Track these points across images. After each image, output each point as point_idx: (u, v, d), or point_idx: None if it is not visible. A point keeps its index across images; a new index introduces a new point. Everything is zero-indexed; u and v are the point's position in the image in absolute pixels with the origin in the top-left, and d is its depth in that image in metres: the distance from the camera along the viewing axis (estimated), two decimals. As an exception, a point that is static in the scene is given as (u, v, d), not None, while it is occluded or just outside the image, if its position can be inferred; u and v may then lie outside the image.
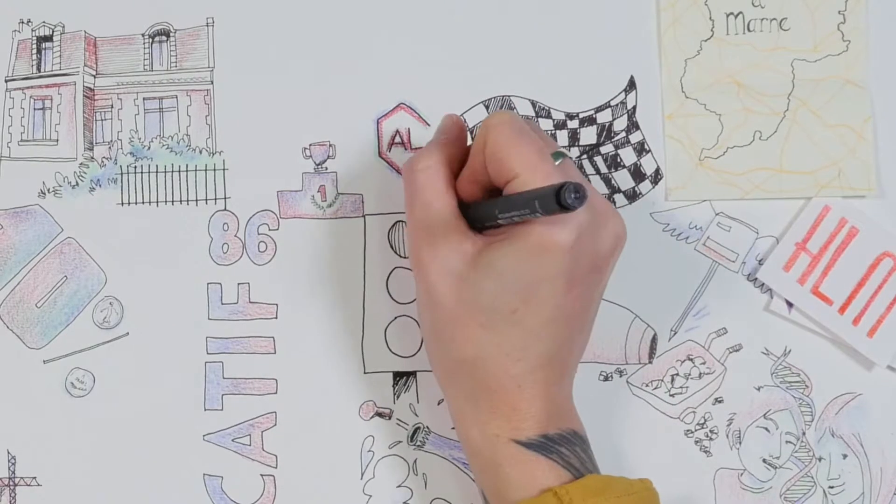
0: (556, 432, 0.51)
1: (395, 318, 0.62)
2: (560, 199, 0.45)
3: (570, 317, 0.51)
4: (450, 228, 0.52)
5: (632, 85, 0.63)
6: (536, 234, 0.49)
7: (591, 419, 0.57)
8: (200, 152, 0.63)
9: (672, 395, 0.61)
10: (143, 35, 0.64)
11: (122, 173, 0.63)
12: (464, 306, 0.51)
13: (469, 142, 0.56)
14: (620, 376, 0.61)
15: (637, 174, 0.62)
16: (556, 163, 0.51)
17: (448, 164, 0.54)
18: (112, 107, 0.63)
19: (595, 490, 0.49)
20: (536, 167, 0.50)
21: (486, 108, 0.63)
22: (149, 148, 0.63)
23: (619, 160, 0.62)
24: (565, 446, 0.51)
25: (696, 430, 0.61)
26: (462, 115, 0.62)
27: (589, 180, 0.62)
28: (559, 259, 0.50)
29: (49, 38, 0.64)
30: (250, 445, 0.61)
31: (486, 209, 0.52)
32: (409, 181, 0.54)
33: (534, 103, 0.63)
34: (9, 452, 0.61)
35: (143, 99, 0.63)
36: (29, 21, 0.64)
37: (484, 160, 0.52)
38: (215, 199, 0.63)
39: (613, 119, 0.62)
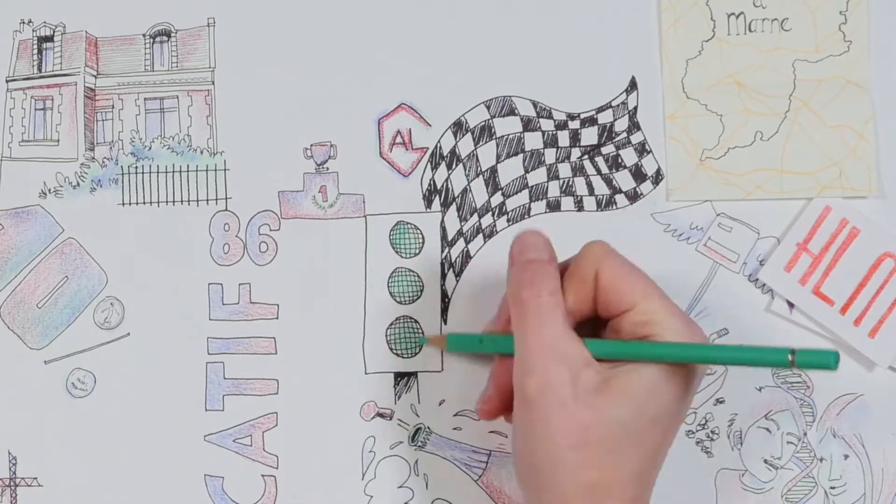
0: None
1: (396, 318, 0.62)
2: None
3: (673, 434, 0.52)
4: (578, 352, 0.51)
5: (633, 85, 0.63)
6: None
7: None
8: (201, 152, 0.63)
9: (673, 396, 0.61)
10: (144, 35, 0.64)
11: (123, 173, 0.63)
12: (592, 432, 0.50)
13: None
14: (621, 377, 0.61)
15: (638, 175, 0.62)
16: None
17: (560, 288, 0.53)
18: (113, 107, 0.63)
19: None
20: (655, 296, 0.52)
21: (487, 108, 0.63)
22: (150, 148, 0.63)
23: (620, 161, 0.62)
24: None
25: (697, 431, 0.61)
26: (462, 115, 0.62)
27: (590, 181, 0.62)
28: (684, 378, 0.51)
29: (50, 39, 0.64)
30: (251, 446, 0.61)
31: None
32: (530, 306, 0.52)
33: (535, 103, 0.63)
34: (10, 453, 0.61)
35: (144, 99, 0.63)
36: (30, 21, 0.64)
37: (590, 292, 0.52)
38: (216, 199, 0.62)
39: (614, 119, 0.62)
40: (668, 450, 0.53)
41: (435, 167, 0.62)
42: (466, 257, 0.62)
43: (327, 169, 0.62)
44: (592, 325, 0.54)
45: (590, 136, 0.62)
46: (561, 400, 0.50)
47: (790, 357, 0.48)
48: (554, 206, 0.62)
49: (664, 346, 0.51)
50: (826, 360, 0.48)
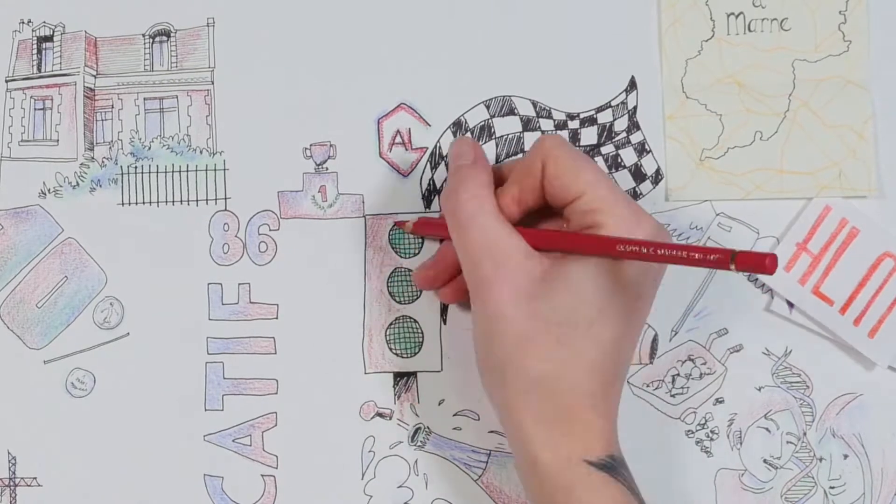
0: (618, 454, 0.52)
1: (396, 318, 0.62)
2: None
3: (634, 332, 0.52)
4: (513, 248, 0.52)
5: (632, 85, 0.63)
6: None
7: (591, 419, 0.57)
8: (201, 152, 0.63)
9: (673, 396, 0.61)
10: (143, 35, 0.64)
11: (122, 173, 0.63)
12: (537, 323, 0.50)
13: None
14: (621, 377, 0.61)
15: (638, 174, 0.62)
16: None
17: (490, 187, 0.54)
18: (112, 107, 0.63)
19: None
20: (602, 185, 0.52)
21: (487, 108, 0.63)
22: (149, 148, 0.63)
23: (619, 160, 0.62)
24: (625, 468, 0.52)
25: (696, 431, 0.61)
26: (462, 115, 0.62)
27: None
28: (632, 270, 0.51)
29: (49, 39, 0.64)
30: (251, 446, 0.61)
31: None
32: (457, 210, 0.53)
33: (534, 103, 0.63)
34: (9, 453, 0.61)
35: (144, 99, 0.63)
36: (29, 21, 0.64)
37: (536, 182, 0.53)
38: (216, 199, 0.62)
39: (614, 119, 0.62)
40: (630, 348, 0.53)
41: (434, 167, 0.62)
42: (466, 257, 0.62)
43: (327, 169, 0.62)
44: (543, 215, 0.55)
45: (589, 135, 0.62)
46: (500, 296, 0.51)
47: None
48: (553, 206, 0.62)
49: (597, 238, 0.50)
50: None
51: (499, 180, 0.56)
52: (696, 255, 0.47)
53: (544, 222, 0.55)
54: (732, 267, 0.45)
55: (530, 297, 0.51)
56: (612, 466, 0.51)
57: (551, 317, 0.50)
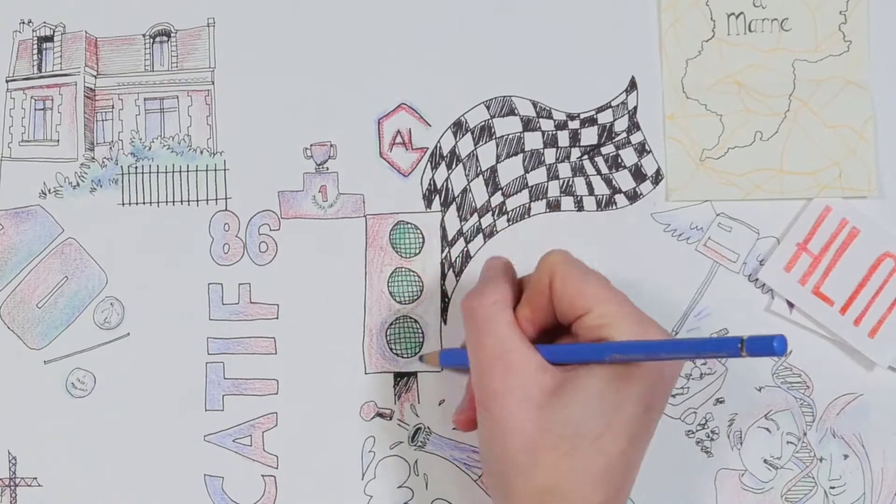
0: None
1: (396, 318, 0.62)
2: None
3: (642, 443, 0.52)
4: (527, 359, 0.51)
5: (633, 85, 0.63)
6: None
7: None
8: (201, 153, 0.63)
9: (673, 396, 0.61)
10: (143, 35, 0.64)
11: (122, 174, 0.63)
12: (546, 434, 0.50)
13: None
14: (621, 377, 0.61)
15: (638, 175, 0.62)
16: None
17: (512, 299, 0.54)
18: (113, 107, 0.63)
19: None
20: (609, 299, 0.51)
21: (487, 108, 0.63)
22: (150, 148, 0.63)
23: (619, 161, 0.62)
24: None
25: (697, 431, 0.61)
26: (462, 115, 0.63)
27: (590, 181, 0.62)
28: (643, 381, 0.50)
29: (50, 39, 0.64)
30: (251, 446, 0.61)
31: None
32: (477, 314, 0.53)
33: (535, 103, 0.63)
34: (9, 453, 0.61)
35: (144, 99, 0.63)
36: (30, 21, 0.64)
37: (546, 299, 0.53)
38: (216, 199, 0.63)
39: (614, 119, 0.62)
40: (638, 458, 0.52)
41: (435, 167, 0.62)
42: (466, 257, 0.62)
43: (327, 169, 0.63)
44: (558, 333, 0.54)
45: (590, 136, 0.62)
46: (511, 405, 0.51)
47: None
48: (554, 206, 0.62)
49: (608, 345, 0.50)
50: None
51: (517, 297, 0.55)
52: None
53: (558, 339, 0.55)
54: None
55: (539, 408, 0.50)
56: None
57: (560, 429, 0.50)
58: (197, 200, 0.63)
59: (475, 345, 0.53)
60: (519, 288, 0.55)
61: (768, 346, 0.44)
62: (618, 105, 0.62)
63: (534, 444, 0.50)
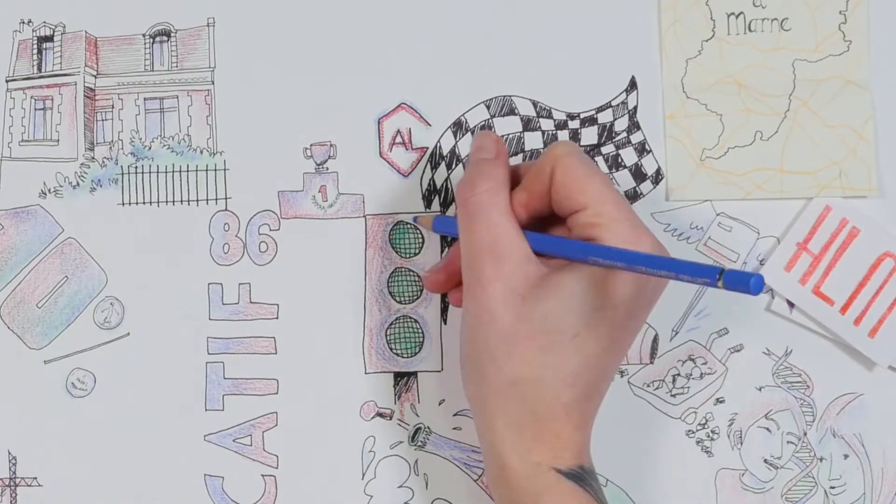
0: (588, 465, 0.52)
1: (396, 318, 0.62)
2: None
3: (619, 349, 0.52)
4: (515, 249, 0.52)
5: (633, 85, 0.63)
6: None
7: (592, 419, 0.57)
8: (201, 152, 0.63)
9: (673, 396, 0.61)
10: (143, 35, 0.64)
11: (122, 173, 0.63)
12: (524, 326, 0.50)
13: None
14: (622, 376, 0.61)
15: (638, 174, 0.62)
16: None
17: (507, 185, 0.54)
18: (113, 107, 0.63)
19: None
20: (607, 199, 0.51)
21: (487, 108, 0.63)
22: (149, 148, 0.63)
23: (620, 160, 0.62)
24: (594, 480, 0.52)
25: (697, 431, 0.61)
26: (462, 114, 0.62)
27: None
28: (627, 289, 0.50)
29: (50, 39, 0.64)
30: (251, 446, 0.61)
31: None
32: (471, 202, 0.53)
33: (535, 103, 0.63)
34: (9, 453, 0.61)
35: (144, 99, 0.63)
36: (30, 21, 0.64)
37: (544, 188, 0.53)
38: (216, 199, 0.62)
39: (614, 119, 0.62)
40: (613, 366, 0.53)
41: (435, 167, 0.62)
42: (466, 257, 0.62)
43: (327, 169, 0.62)
44: (552, 223, 0.54)
45: (590, 135, 0.62)
46: (494, 294, 0.51)
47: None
48: (554, 206, 0.62)
49: (592, 247, 0.50)
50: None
51: (515, 181, 0.55)
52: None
53: (551, 228, 0.55)
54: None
55: (522, 300, 0.51)
56: (582, 477, 0.51)
57: (538, 323, 0.50)
58: (197, 200, 0.63)
59: (466, 232, 0.53)
60: (514, 169, 0.55)
61: (745, 281, 0.43)
62: (618, 105, 0.62)
63: (512, 335, 0.51)
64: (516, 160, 0.62)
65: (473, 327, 0.52)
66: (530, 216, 0.54)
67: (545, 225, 0.55)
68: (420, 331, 0.61)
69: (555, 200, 0.53)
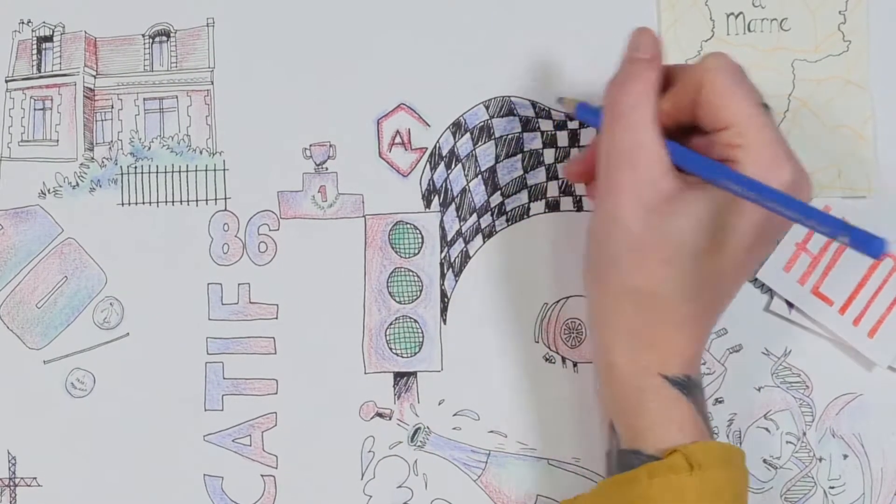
0: (696, 376, 0.52)
1: (396, 318, 0.62)
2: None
3: (741, 274, 0.53)
4: (654, 160, 0.51)
5: (632, 85, 0.62)
6: None
7: (592, 419, 0.57)
8: (201, 153, 0.63)
9: (672, 396, 0.61)
10: (143, 35, 0.64)
11: (122, 174, 0.63)
12: (652, 237, 0.50)
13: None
14: (621, 377, 0.61)
15: (637, 174, 0.62)
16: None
17: (657, 89, 0.52)
18: (112, 107, 0.63)
19: (720, 459, 0.50)
20: (752, 122, 0.50)
21: (486, 108, 0.63)
22: (149, 148, 0.63)
23: (619, 160, 0.62)
24: (700, 392, 0.52)
25: (696, 431, 0.61)
26: (462, 115, 0.63)
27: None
28: (756, 217, 0.50)
29: (49, 39, 0.64)
30: (251, 446, 0.61)
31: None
32: (618, 102, 0.52)
33: (534, 103, 0.63)
34: (9, 453, 0.61)
35: (144, 99, 0.63)
36: (29, 21, 0.64)
37: (691, 100, 0.51)
38: (216, 199, 0.63)
39: (614, 119, 0.62)
40: (733, 289, 0.53)
41: (434, 167, 0.62)
42: (466, 257, 0.62)
43: (326, 169, 0.63)
44: (695, 132, 0.53)
45: (590, 136, 0.62)
46: (627, 202, 0.50)
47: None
48: (553, 206, 0.62)
49: (726, 171, 0.49)
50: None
51: (667, 83, 0.53)
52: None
53: (695, 138, 0.53)
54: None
55: (652, 212, 0.50)
56: (687, 386, 0.51)
57: (665, 235, 0.50)
58: (196, 200, 0.63)
59: (609, 133, 0.52)
60: (667, 70, 0.53)
61: (868, 241, 0.43)
62: (617, 105, 0.62)
63: (639, 245, 0.50)
64: (516, 160, 0.62)
65: (601, 232, 0.52)
66: (675, 124, 0.52)
67: (688, 135, 0.53)
68: (420, 331, 0.61)
69: (699, 114, 0.52)
